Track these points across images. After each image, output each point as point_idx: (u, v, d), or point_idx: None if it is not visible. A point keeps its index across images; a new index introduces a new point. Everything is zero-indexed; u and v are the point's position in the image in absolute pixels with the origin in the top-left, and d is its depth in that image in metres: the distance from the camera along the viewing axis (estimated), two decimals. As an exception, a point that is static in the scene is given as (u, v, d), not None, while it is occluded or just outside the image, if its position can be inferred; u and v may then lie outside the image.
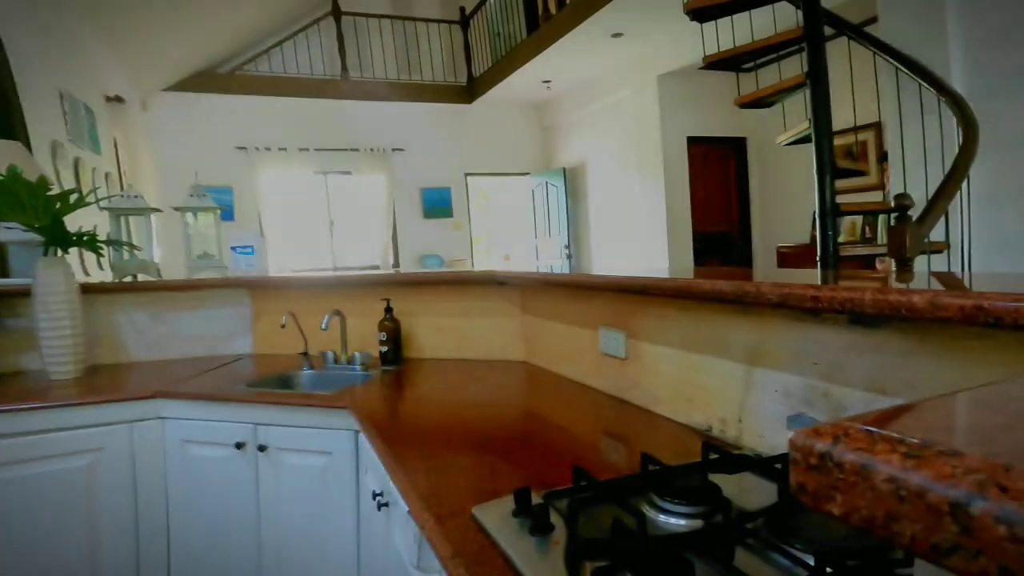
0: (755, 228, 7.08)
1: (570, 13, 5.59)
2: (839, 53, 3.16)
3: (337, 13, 7.50)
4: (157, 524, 1.94)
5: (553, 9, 6.01)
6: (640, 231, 6.98)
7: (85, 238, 2.09)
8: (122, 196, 2.43)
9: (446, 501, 1.01)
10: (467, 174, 8.62)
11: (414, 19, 8.03)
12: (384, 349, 2.26)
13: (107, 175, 4.64)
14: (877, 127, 5.10)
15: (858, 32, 3.06)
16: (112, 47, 5.47)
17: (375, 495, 1.37)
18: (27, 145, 3.04)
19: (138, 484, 1.92)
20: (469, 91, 8.17)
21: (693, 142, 6.63)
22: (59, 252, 2.13)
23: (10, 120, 2.96)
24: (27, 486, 1.80)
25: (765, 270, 1.69)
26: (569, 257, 8.22)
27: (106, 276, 2.68)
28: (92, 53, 4.90)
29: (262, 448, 1.79)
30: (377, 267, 8.02)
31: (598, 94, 7.39)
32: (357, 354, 2.25)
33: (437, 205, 8.44)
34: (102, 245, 2.17)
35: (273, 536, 1.82)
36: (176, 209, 2.61)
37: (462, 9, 8.08)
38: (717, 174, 6.95)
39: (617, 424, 1.44)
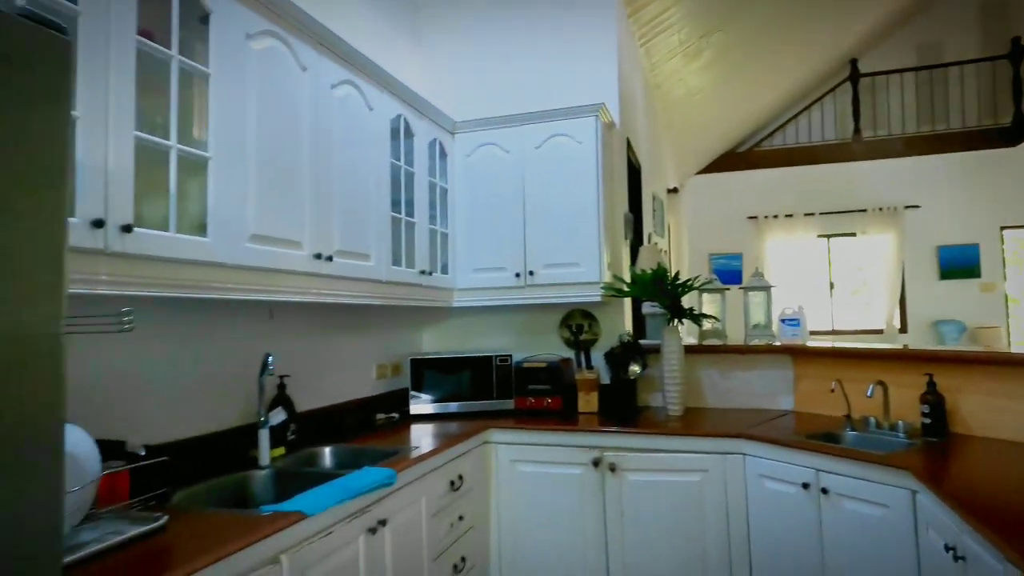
0: None
1: None
2: None
3: (855, 76, 7.61)
4: (741, 536, 2.47)
5: None
6: None
7: (691, 312, 2.92)
8: (707, 280, 3.27)
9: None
10: (1003, 227, 7.38)
11: (945, 65, 7.45)
12: (927, 421, 2.38)
13: (664, 252, 5.91)
14: None
15: None
16: (674, 150, 6.98)
17: (947, 548, 1.60)
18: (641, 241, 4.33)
19: (728, 503, 2.50)
20: (1012, 133, 7.04)
21: None
22: (676, 322, 2.98)
23: (640, 228, 4.24)
24: (661, 489, 2.56)
25: None
26: None
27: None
28: (665, 157, 6.34)
29: (824, 491, 2.16)
30: (881, 331, 7.59)
31: None
32: (900, 422, 2.42)
33: (958, 264, 7.48)
34: (699, 317, 2.98)
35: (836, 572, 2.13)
36: (741, 288, 3.34)
37: (1015, 40, 7.04)
38: None
39: None
